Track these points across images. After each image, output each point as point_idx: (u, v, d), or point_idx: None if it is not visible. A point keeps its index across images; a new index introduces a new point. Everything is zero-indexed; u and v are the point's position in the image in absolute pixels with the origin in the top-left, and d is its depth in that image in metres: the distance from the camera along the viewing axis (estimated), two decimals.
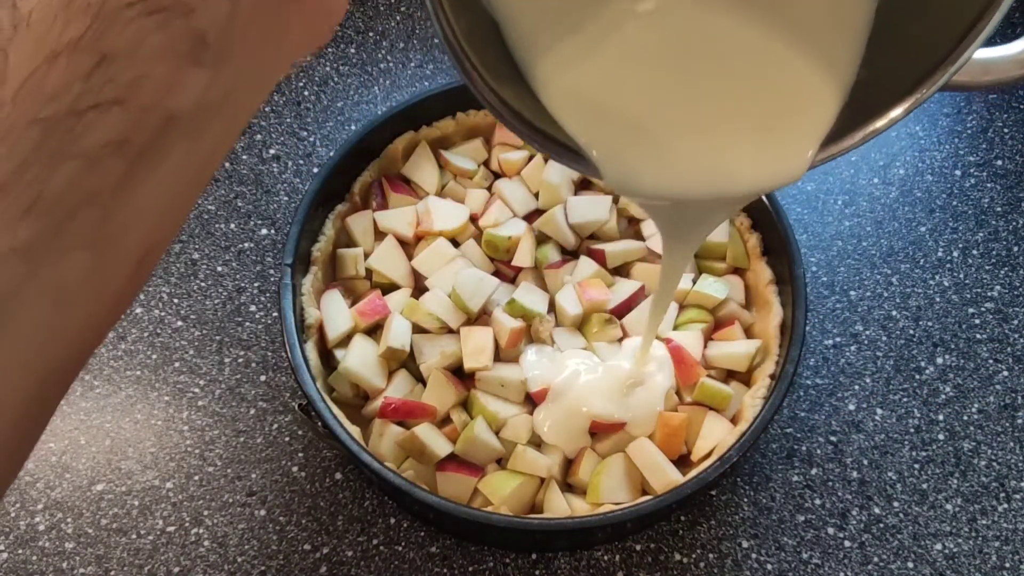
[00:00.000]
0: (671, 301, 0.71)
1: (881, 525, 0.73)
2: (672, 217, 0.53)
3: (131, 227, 0.29)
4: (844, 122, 0.41)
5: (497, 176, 0.82)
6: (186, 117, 0.28)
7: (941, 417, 0.78)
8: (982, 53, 0.40)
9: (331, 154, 0.78)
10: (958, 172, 0.91)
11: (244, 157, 0.91)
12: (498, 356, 0.72)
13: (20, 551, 0.71)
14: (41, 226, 0.26)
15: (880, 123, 0.40)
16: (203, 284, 0.84)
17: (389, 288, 0.76)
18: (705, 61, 0.41)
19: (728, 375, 0.73)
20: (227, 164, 0.90)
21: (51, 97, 0.26)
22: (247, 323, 0.82)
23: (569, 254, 0.79)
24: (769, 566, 0.71)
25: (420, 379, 0.72)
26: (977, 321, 0.83)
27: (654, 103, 0.41)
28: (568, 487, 0.69)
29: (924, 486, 0.75)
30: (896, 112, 0.39)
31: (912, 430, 0.77)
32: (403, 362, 0.73)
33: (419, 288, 0.76)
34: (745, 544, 0.72)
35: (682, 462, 0.69)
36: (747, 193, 0.45)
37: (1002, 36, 0.37)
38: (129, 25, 0.26)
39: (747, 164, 0.42)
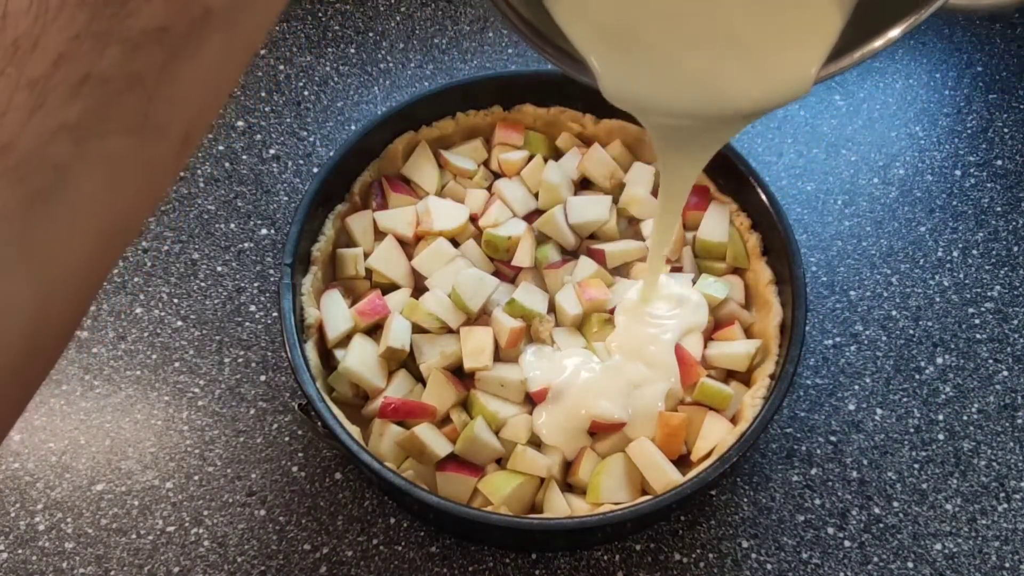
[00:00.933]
0: (673, 233, 0.70)
1: (881, 525, 0.73)
2: (673, 136, 0.52)
3: (171, 113, 0.31)
4: (845, 42, 0.41)
5: (497, 176, 0.82)
6: (221, 11, 0.30)
7: (941, 417, 0.78)
8: None
9: (331, 154, 0.78)
10: (958, 172, 0.91)
11: (244, 157, 0.91)
12: (498, 356, 0.72)
13: (20, 551, 0.71)
14: (90, 105, 0.29)
15: (878, 43, 0.41)
16: (203, 284, 0.84)
17: (389, 288, 0.76)
18: None
19: (728, 375, 0.73)
20: (227, 164, 0.90)
21: None
22: (247, 323, 0.82)
23: (569, 254, 0.79)
24: (769, 566, 0.71)
25: (420, 379, 0.72)
26: (977, 321, 0.83)
27: (655, 15, 0.41)
28: (568, 487, 0.69)
29: (924, 486, 0.75)
30: (894, 32, 0.40)
31: (912, 430, 0.77)
32: (403, 362, 0.73)
33: (419, 288, 0.76)
34: (745, 544, 0.72)
35: (682, 462, 0.69)
36: (750, 109, 0.44)
37: None
38: None
39: (751, 78, 0.42)
